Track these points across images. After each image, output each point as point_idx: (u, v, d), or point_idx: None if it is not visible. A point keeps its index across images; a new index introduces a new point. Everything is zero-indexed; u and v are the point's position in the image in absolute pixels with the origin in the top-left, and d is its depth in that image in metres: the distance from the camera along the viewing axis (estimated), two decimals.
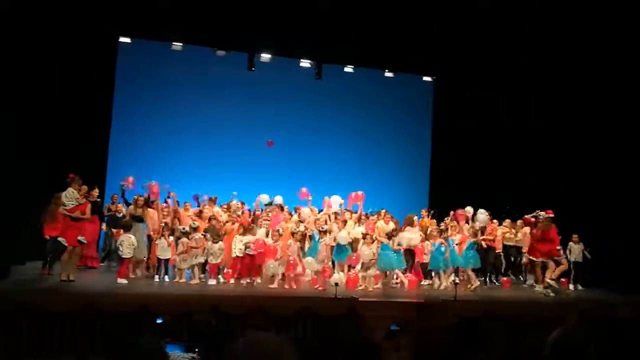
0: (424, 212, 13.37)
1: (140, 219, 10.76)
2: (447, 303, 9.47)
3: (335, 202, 12.56)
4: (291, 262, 10.35)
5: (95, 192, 11.56)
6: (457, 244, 11.62)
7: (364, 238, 11.01)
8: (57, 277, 9.53)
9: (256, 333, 1.90)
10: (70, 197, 9.72)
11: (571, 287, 12.20)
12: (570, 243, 12.24)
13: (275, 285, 10.35)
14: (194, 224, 10.68)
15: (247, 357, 1.76)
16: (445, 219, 12.82)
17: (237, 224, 11.17)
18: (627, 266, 11.59)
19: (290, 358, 1.77)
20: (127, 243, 10.06)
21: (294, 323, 8.55)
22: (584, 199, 12.76)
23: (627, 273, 11.48)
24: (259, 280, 10.80)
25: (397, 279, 11.51)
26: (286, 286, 10.38)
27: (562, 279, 12.27)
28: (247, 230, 10.74)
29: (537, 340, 3.15)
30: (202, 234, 10.58)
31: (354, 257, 10.93)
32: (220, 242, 10.50)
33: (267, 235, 10.94)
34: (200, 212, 11.68)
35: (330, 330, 8.25)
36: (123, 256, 10.10)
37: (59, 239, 9.63)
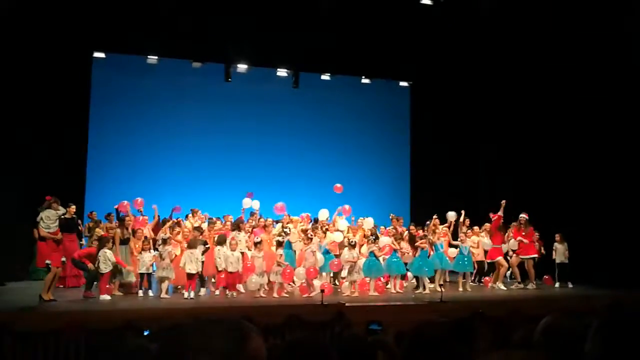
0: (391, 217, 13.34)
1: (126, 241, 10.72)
2: (433, 304, 9.53)
3: (323, 216, 12.60)
4: (287, 271, 10.36)
5: (72, 208, 11.41)
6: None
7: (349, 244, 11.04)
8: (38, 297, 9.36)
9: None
10: (54, 218, 9.60)
11: (557, 285, 12.34)
12: (555, 243, 12.42)
13: (262, 294, 10.32)
14: (165, 234, 10.63)
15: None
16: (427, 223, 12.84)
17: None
18: (613, 262, 11.70)
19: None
20: (103, 258, 9.98)
21: (281, 331, 8.49)
22: (566, 198, 12.92)
23: (613, 269, 11.60)
24: (242, 290, 10.75)
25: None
26: (275, 295, 10.33)
27: (546, 277, 12.45)
28: (222, 241, 10.59)
29: (525, 333, 3.16)
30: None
31: (335, 263, 10.95)
32: (197, 251, 10.37)
33: (253, 245, 10.85)
34: (178, 224, 11.54)
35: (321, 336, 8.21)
36: (100, 271, 10.02)
37: (47, 262, 9.49)
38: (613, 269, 11.59)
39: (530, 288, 11.89)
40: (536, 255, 12.21)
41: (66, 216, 10.87)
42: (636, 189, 11.75)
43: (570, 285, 12.26)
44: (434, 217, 12.38)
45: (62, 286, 10.99)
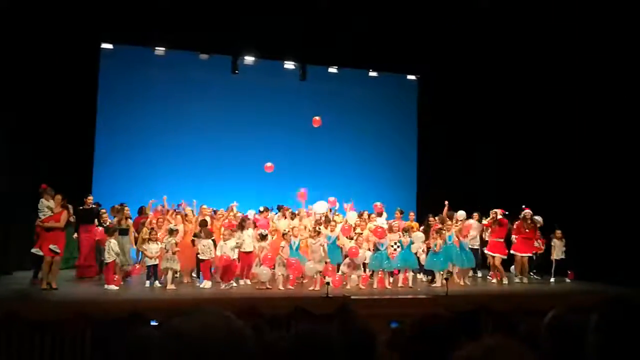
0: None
1: (125, 232, 10.90)
2: (438, 298, 9.54)
3: (321, 206, 12.65)
4: (293, 264, 10.36)
5: (90, 199, 11.52)
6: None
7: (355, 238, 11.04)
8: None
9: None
10: (41, 207, 9.68)
11: (552, 280, 12.39)
12: (554, 239, 12.47)
13: (268, 285, 10.35)
14: (172, 227, 10.69)
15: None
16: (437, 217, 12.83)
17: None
18: (618, 259, 11.68)
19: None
20: (107, 248, 10.09)
21: (286, 323, 8.52)
22: (568, 194, 12.89)
23: (618, 265, 11.58)
24: (248, 282, 10.84)
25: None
26: (281, 287, 10.34)
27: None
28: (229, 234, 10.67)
29: (531, 327, 3.15)
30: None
31: (354, 250, 10.68)
32: (210, 240, 10.54)
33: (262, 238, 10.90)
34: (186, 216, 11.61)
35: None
36: (105, 261, 10.13)
37: (33, 250, 9.61)
38: (612, 265, 11.62)
39: (522, 282, 11.94)
40: (531, 254, 12.33)
41: (84, 207, 11.03)
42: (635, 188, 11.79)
43: (568, 281, 12.37)
44: (446, 202, 12.62)
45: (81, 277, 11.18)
